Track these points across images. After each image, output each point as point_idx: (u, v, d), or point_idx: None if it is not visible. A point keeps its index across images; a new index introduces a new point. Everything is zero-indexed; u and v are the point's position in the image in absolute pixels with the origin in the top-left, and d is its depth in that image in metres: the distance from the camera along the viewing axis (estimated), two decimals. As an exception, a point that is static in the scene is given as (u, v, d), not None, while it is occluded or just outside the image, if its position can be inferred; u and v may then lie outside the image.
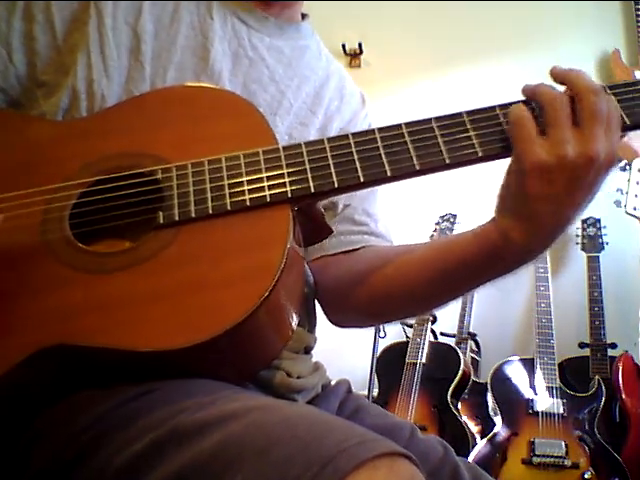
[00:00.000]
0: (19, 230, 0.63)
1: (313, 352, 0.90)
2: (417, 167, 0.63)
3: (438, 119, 0.65)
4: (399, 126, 0.65)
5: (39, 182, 0.66)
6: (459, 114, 0.64)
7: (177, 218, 0.63)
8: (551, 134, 0.60)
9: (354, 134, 0.66)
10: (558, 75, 0.64)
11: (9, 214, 0.64)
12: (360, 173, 0.64)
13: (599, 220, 2.51)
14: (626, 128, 0.64)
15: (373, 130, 0.66)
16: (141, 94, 0.75)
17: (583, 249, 2.48)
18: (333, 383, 0.92)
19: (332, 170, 0.64)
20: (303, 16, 0.95)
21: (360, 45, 2.91)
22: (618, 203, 2.05)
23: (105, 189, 0.66)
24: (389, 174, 0.64)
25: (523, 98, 0.66)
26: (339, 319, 0.87)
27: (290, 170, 0.64)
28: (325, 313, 0.87)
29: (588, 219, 2.53)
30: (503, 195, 0.64)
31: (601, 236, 2.48)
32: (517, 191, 0.62)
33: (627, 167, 2.08)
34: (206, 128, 0.70)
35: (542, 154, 0.59)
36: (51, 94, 0.76)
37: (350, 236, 0.87)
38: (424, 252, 0.77)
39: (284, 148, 0.66)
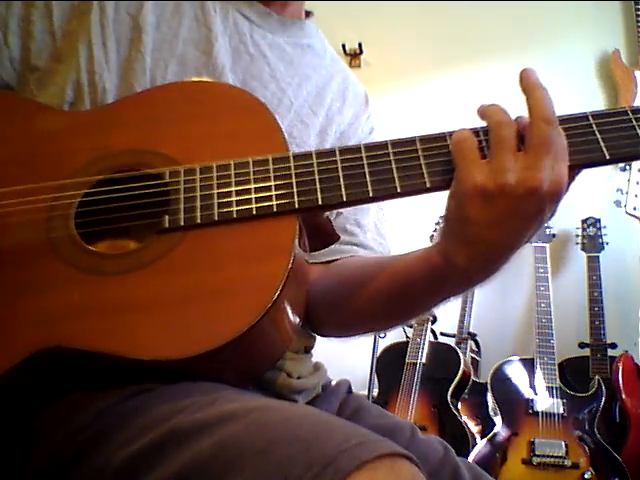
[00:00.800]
0: (24, 226, 0.63)
1: (313, 352, 0.90)
2: (428, 184, 0.62)
3: (452, 134, 0.63)
4: (413, 141, 0.64)
5: (46, 176, 0.65)
6: (474, 130, 0.62)
7: (182, 223, 0.62)
8: (493, 159, 0.58)
9: (366, 147, 0.64)
10: (525, 86, 0.61)
11: (14, 209, 0.63)
12: (370, 188, 0.62)
13: (599, 220, 2.51)
14: (604, 163, 0.62)
15: (386, 144, 0.64)
16: (150, 88, 0.74)
17: (583, 249, 2.48)
18: (333, 383, 0.92)
19: (342, 183, 0.63)
20: (307, 14, 0.94)
21: (360, 45, 2.91)
22: (618, 203, 2.05)
23: (112, 189, 0.65)
24: (399, 190, 0.62)
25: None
26: (320, 328, 0.85)
27: (299, 180, 0.63)
28: (308, 322, 0.84)
29: (588, 219, 2.53)
30: (446, 218, 0.63)
31: (601, 236, 2.48)
32: (458, 214, 0.60)
33: (627, 167, 2.08)
34: (217, 127, 0.69)
35: (481, 178, 0.57)
36: (43, 81, 0.75)
37: (341, 245, 0.86)
38: (381, 271, 0.76)
39: (294, 157, 0.64)
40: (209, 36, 0.80)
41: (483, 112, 0.62)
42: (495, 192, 0.57)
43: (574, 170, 0.61)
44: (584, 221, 2.53)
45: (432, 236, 2.57)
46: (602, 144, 0.62)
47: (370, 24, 2.91)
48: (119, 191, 0.65)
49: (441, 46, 2.86)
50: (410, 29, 2.90)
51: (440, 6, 2.84)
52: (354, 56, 2.91)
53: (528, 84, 0.61)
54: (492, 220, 0.58)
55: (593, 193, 2.64)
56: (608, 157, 0.61)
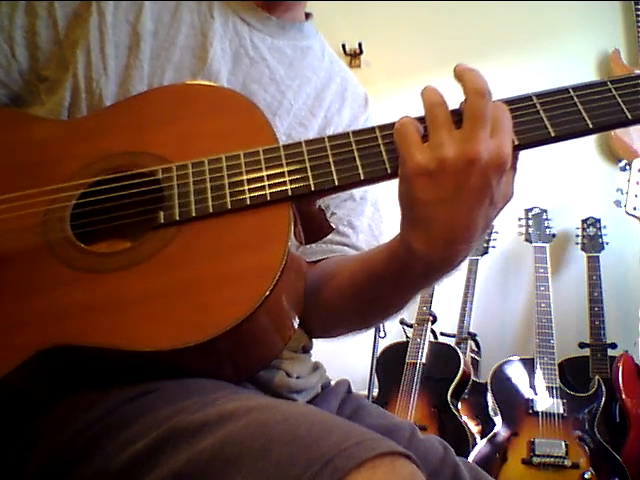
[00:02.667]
0: (20, 231, 0.63)
1: (313, 352, 0.90)
2: None
3: None
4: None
5: (40, 182, 0.66)
6: (456, 110, 0.63)
7: (178, 217, 0.63)
8: (430, 138, 0.60)
9: (354, 132, 0.66)
10: (457, 73, 0.62)
11: (10, 215, 0.64)
12: (360, 171, 0.64)
13: (599, 220, 2.51)
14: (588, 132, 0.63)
15: (374, 128, 0.65)
16: (141, 92, 0.75)
17: (583, 249, 2.48)
18: (333, 383, 0.92)
19: (332, 168, 0.64)
20: (307, 16, 0.94)
21: (360, 45, 2.91)
22: (618, 203, 2.05)
23: (106, 189, 0.66)
24: (389, 171, 0.63)
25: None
26: (306, 327, 0.85)
27: (290, 169, 0.64)
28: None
29: (588, 219, 2.53)
30: (400, 205, 0.64)
31: (601, 236, 2.48)
32: (408, 198, 0.61)
33: (627, 167, 2.08)
34: (206, 126, 0.70)
35: (421, 158, 0.58)
36: (53, 90, 0.76)
37: (331, 245, 0.86)
38: (353, 266, 0.77)
39: (284, 147, 0.66)
40: (204, 43, 0.81)
41: (421, 95, 0.63)
42: (436, 168, 0.58)
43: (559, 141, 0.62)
44: (584, 221, 2.53)
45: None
46: (584, 114, 0.63)
47: (370, 24, 2.91)
48: (114, 191, 0.65)
49: (441, 46, 2.86)
50: (410, 29, 2.90)
51: (440, 6, 2.84)
52: (354, 56, 2.92)
53: (459, 70, 0.62)
54: (439, 198, 0.59)
55: (593, 193, 2.64)
56: (591, 126, 0.63)
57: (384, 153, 0.64)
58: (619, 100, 0.63)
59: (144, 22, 0.79)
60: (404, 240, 0.64)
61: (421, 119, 0.62)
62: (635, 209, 2.01)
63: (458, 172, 0.58)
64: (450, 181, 0.58)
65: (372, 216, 0.93)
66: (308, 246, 0.83)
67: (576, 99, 0.64)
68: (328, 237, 0.83)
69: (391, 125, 0.65)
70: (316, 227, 0.72)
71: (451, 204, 0.59)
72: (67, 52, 0.76)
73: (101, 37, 0.76)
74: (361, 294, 0.75)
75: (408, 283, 0.70)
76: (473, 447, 2.04)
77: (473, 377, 2.34)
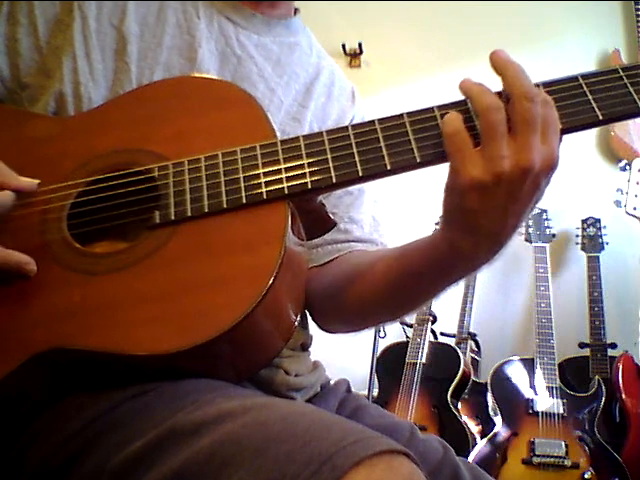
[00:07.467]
0: (18, 232, 0.63)
1: (313, 352, 0.90)
2: (418, 159, 0.61)
3: (440, 108, 0.62)
4: (431, 109, 0.63)
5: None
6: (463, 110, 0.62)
7: (173, 217, 0.62)
8: (486, 148, 0.57)
9: (354, 126, 0.64)
10: (497, 65, 0.60)
11: (8, 215, 0.63)
12: (359, 167, 0.62)
13: (599, 220, 2.51)
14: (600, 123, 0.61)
15: (373, 122, 0.64)
16: (136, 88, 0.74)
17: (583, 249, 2.48)
18: (332, 383, 0.92)
19: (330, 165, 0.62)
20: (295, 12, 0.93)
21: (360, 45, 2.90)
22: (618, 203, 2.05)
23: (102, 188, 0.65)
24: (389, 168, 0.62)
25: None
26: (327, 325, 0.86)
27: (287, 165, 0.63)
28: (315, 320, 0.86)
29: (588, 219, 2.53)
30: (446, 209, 0.63)
31: (601, 236, 2.48)
32: (457, 207, 0.60)
33: (627, 167, 2.09)
34: (204, 121, 0.69)
35: (477, 172, 0.57)
36: (35, 98, 0.76)
37: (337, 245, 0.86)
38: (385, 263, 0.77)
39: (282, 142, 0.65)
40: (192, 43, 0.80)
41: (467, 92, 0.60)
42: (492, 182, 0.57)
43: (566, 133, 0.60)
44: (584, 221, 2.53)
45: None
46: (594, 104, 0.60)
47: (370, 24, 2.91)
48: (109, 190, 0.65)
49: (441, 46, 2.86)
50: (410, 29, 2.90)
51: (440, 6, 2.84)
52: (354, 56, 2.91)
53: (500, 62, 0.60)
54: (493, 207, 0.58)
55: (593, 193, 2.64)
56: (601, 117, 0.60)
57: (384, 148, 0.62)
58: (631, 89, 0.60)
59: (128, 24, 0.78)
60: (449, 240, 0.64)
61: (464, 111, 0.60)
62: (635, 209, 2.01)
63: (513, 183, 0.57)
64: (504, 191, 0.57)
65: (373, 209, 0.93)
66: (314, 250, 0.83)
67: (585, 87, 0.61)
68: (332, 237, 0.84)
69: (418, 112, 0.63)
70: (317, 223, 0.71)
71: (504, 211, 0.59)
72: (49, 59, 0.76)
73: (85, 42, 0.76)
74: (398, 288, 0.74)
75: (447, 278, 0.70)
76: (473, 447, 2.04)
77: (473, 377, 2.34)
